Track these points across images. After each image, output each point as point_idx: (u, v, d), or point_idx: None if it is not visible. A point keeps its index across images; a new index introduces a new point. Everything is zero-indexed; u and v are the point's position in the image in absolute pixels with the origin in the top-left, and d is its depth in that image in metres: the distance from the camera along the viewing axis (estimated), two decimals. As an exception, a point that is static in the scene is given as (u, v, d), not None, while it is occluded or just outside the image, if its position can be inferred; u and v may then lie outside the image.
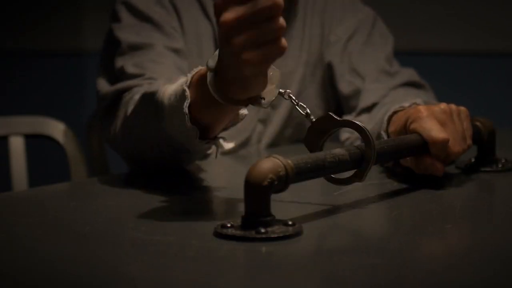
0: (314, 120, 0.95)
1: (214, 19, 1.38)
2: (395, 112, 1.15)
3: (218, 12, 0.84)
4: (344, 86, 1.46)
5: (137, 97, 1.12)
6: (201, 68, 0.96)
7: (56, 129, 1.62)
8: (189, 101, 0.95)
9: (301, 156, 0.83)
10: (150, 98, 1.04)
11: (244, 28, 0.83)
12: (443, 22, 2.63)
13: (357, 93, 1.44)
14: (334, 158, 0.87)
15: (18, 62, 3.14)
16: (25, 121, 1.62)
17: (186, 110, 0.95)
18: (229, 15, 0.83)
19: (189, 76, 0.97)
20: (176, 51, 1.31)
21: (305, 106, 0.96)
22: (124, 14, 1.33)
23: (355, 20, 1.49)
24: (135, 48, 1.29)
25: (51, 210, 0.95)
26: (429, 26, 2.65)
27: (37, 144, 1.65)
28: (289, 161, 0.79)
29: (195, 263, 0.72)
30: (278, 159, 0.78)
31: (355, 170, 0.92)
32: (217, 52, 0.90)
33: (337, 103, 1.51)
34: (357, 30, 1.49)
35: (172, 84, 1.01)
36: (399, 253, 0.74)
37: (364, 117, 1.39)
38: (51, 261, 0.72)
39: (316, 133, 0.94)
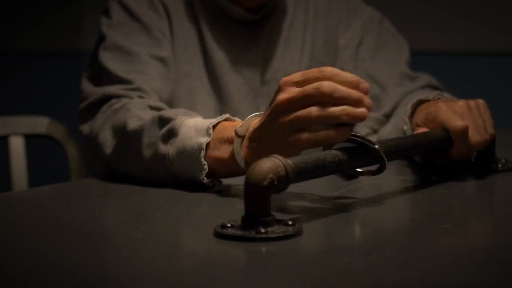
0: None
1: (201, 24, 1.38)
2: (419, 102, 1.22)
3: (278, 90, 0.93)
4: None
5: (139, 113, 1.12)
6: (220, 121, 1.02)
7: (56, 129, 1.62)
8: (210, 139, 1.00)
9: (301, 156, 0.83)
10: (165, 121, 1.06)
11: (295, 108, 0.91)
12: (443, 22, 2.63)
13: (374, 99, 1.44)
14: (334, 158, 0.87)
15: (18, 62, 3.14)
16: (25, 121, 1.62)
17: (203, 146, 1.00)
18: (284, 95, 0.92)
19: (213, 122, 1.02)
20: (161, 59, 1.31)
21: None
22: (115, 11, 1.34)
23: (360, 23, 1.48)
24: (121, 50, 1.29)
25: (51, 210, 0.95)
26: (429, 26, 2.65)
27: (37, 144, 1.65)
28: (289, 161, 0.79)
29: (195, 263, 0.72)
30: (278, 159, 0.78)
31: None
32: (247, 120, 0.98)
33: None
34: (365, 34, 1.48)
35: (191, 117, 1.05)
36: (399, 253, 0.74)
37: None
38: (51, 261, 0.72)
39: None
